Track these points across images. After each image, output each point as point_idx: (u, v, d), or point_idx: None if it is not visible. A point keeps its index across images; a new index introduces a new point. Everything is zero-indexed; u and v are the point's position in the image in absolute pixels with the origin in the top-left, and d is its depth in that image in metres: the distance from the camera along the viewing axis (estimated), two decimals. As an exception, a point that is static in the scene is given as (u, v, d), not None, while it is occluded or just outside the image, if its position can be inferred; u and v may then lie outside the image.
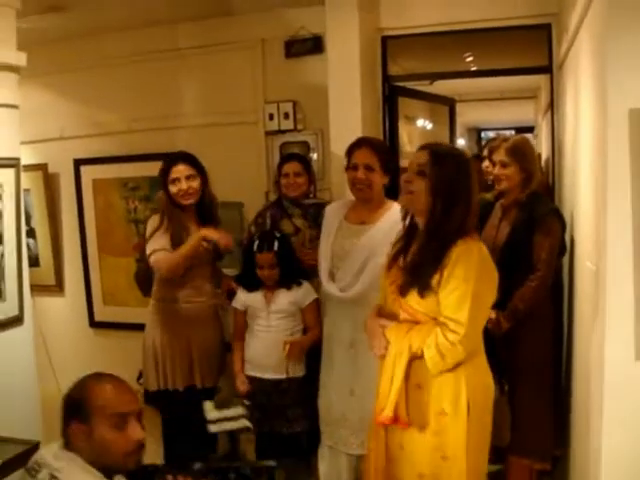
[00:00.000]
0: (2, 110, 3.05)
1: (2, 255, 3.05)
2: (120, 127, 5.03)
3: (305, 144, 4.56)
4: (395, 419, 2.37)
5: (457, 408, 2.33)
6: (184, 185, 3.45)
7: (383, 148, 3.35)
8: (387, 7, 4.29)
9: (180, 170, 3.47)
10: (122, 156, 5.03)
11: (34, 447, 2.66)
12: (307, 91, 4.52)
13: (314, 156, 4.53)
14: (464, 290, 2.26)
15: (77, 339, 5.37)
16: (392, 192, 4.53)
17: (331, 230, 3.30)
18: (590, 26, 2.44)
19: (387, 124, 4.50)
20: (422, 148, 2.48)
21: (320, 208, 3.68)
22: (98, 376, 1.99)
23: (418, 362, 2.36)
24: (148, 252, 3.41)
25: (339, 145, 4.04)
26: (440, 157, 2.37)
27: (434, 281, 2.31)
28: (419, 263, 2.39)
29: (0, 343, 3.05)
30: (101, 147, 5.11)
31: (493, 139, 5.38)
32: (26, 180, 4.03)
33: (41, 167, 5.25)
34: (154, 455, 2.67)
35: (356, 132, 3.99)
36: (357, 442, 3.19)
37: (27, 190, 4.96)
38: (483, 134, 10.87)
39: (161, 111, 4.89)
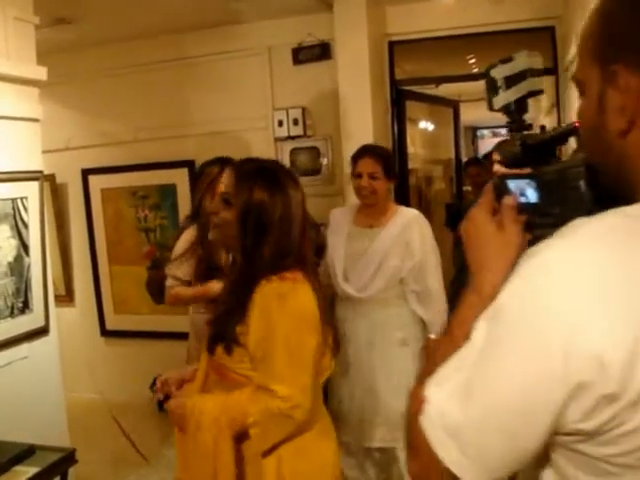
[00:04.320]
0: (25, 124, 3.08)
1: (28, 266, 3.08)
2: (128, 136, 5.07)
3: (315, 150, 4.61)
4: None
5: None
6: None
7: (386, 155, 3.42)
8: (393, 13, 4.38)
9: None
10: (130, 165, 5.07)
11: (70, 454, 2.70)
12: (315, 97, 4.57)
13: (324, 161, 4.58)
14: (274, 344, 1.84)
15: (88, 349, 5.40)
16: (402, 195, 4.63)
17: (341, 234, 3.39)
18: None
19: (395, 127, 4.56)
20: (231, 167, 2.15)
21: None
22: None
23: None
24: (169, 272, 3.38)
25: (350, 150, 4.10)
26: (246, 177, 1.97)
27: (240, 333, 1.89)
28: (223, 311, 2.01)
29: (27, 354, 3.07)
30: (109, 156, 5.14)
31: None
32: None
33: (48, 178, 5.27)
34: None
35: (367, 136, 4.06)
36: (378, 435, 3.28)
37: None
38: (479, 133, 10.94)
39: (169, 120, 4.93)
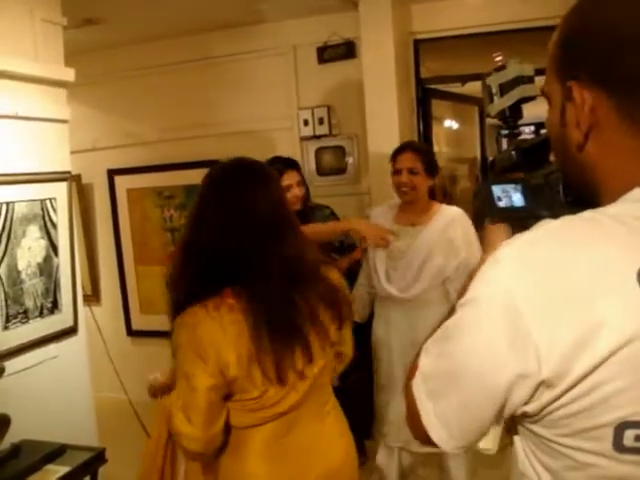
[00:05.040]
0: (54, 125, 3.10)
1: (58, 267, 3.10)
2: (153, 137, 5.08)
3: (340, 149, 4.59)
4: None
5: None
6: (298, 192, 3.45)
7: (426, 151, 3.40)
8: (418, 11, 4.35)
9: (291, 177, 3.47)
10: (156, 165, 5.08)
11: (100, 453, 2.72)
12: (340, 96, 4.56)
13: (349, 160, 4.56)
14: (177, 368, 1.83)
15: (115, 348, 5.42)
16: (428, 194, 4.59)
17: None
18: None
19: (421, 126, 4.53)
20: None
21: (320, 209, 3.73)
22: None
23: None
24: None
25: (376, 149, 4.10)
26: (205, 179, 1.98)
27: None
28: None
29: (56, 353, 3.09)
30: (134, 157, 5.16)
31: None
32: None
33: (75, 178, 5.30)
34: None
35: (393, 135, 4.05)
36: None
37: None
38: (502, 131, 10.84)
39: (194, 120, 4.94)
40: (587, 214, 0.87)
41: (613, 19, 0.87)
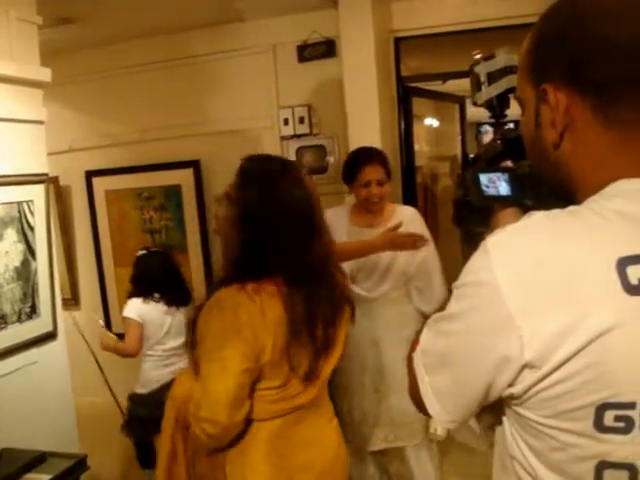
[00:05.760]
0: (30, 126, 3.04)
1: (36, 270, 3.04)
2: (132, 137, 5.02)
3: (321, 148, 4.56)
4: None
5: None
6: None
7: (386, 158, 3.34)
8: (399, 9, 4.32)
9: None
10: (135, 166, 5.02)
11: (82, 460, 2.67)
12: (321, 95, 4.53)
13: (330, 160, 4.54)
14: (203, 349, 1.81)
15: (95, 352, 5.35)
16: (409, 193, 4.59)
17: (341, 235, 3.25)
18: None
19: (402, 124, 4.52)
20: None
21: None
22: None
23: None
24: None
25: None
26: (245, 176, 1.92)
27: None
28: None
29: (36, 359, 3.04)
30: (113, 158, 5.10)
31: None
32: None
33: (52, 180, 5.23)
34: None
35: (374, 134, 4.03)
36: (381, 436, 3.27)
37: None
38: (482, 128, 10.88)
39: (173, 120, 4.88)
40: (570, 208, 0.91)
41: (584, 24, 0.91)
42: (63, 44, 4.52)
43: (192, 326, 1.86)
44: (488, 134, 10.93)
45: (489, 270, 0.88)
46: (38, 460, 2.55)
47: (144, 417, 3.54)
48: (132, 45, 4.81)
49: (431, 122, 6.22)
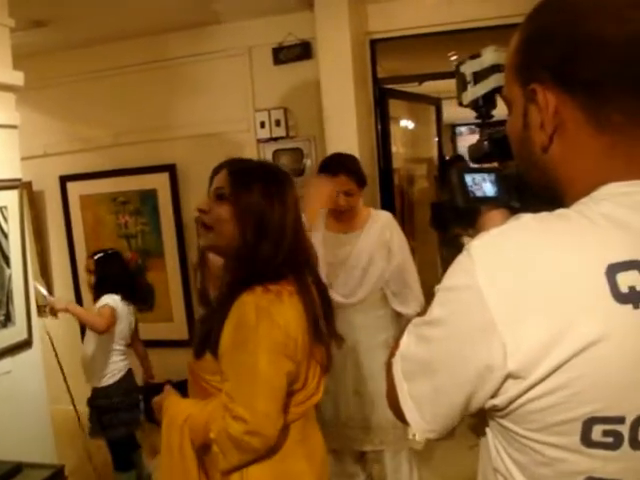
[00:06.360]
0: (2, 131, 2.99)
1: (10, 277, 2.98)
2: (106, 141, 4.97)
3: (298, 151, 4.54)
4: None
5: None
6: None
7: (357, 167, 3.25)
8: (374, 10, 4.33)
9: None
10: (109, 171, 4.97)
11: (59, 471, 2.62)
12: (297, 97, 4.51)
13: (307, 162, 4.52)
14: (241, 360, 1.72)
15: (70, 358, 5.28)
16: (387, 196, 4.58)
17: (315, 241, 3.13)
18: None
19: (379, 127, 4.51)
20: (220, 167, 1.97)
21: None
22: None
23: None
24: None
25: (335, 150, 4.04)
26: (246, 175, 1.86)
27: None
28: (209, 316, 1.90)
29: (10, 368, 2.98)
30: (87, 162, 5.04)
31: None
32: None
33: (25, 185, 5.15)
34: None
35: (352, 136, 4.02)
36: (366, 438, 3.27)
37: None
38: (457, 130, 10.95)
39: (149, 123, 4.84)
40: (559, 211, 0.87)
41: (575, 20, 0.87)
42: (36, 47, 4.45)
43: (207, 332, 1.80)
44: (463, 136, 11.00)
45: (472, 274, 0.84)
46: (14, 471, 2.49)
47: (105, 407, 3.65)
48: (106, 48, 4.76)
49: (407, 124, 6.23)
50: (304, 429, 1.90)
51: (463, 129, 10.89)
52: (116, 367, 3.73)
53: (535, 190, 1.01)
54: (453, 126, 10.78)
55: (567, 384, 0.79)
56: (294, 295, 1.78)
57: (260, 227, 1.79)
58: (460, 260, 0.88)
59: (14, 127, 3.09)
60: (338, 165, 3.18)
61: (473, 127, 10.36)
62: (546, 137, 0.91)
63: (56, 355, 3.92)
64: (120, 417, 3.64)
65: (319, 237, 3.23)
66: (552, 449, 0.83)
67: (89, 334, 3.77)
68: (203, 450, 1.79)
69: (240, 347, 1.71)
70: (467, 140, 10.57)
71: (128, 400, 3.69)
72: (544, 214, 0.87)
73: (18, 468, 2.52)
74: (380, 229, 3.23)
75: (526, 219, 0.87)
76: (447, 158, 6.57)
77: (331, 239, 3.27)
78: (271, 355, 1.69)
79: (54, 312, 3.76)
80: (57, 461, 3.13)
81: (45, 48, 4.63)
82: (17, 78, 3.04)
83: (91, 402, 3.73)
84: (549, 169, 0.94)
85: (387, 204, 4.44)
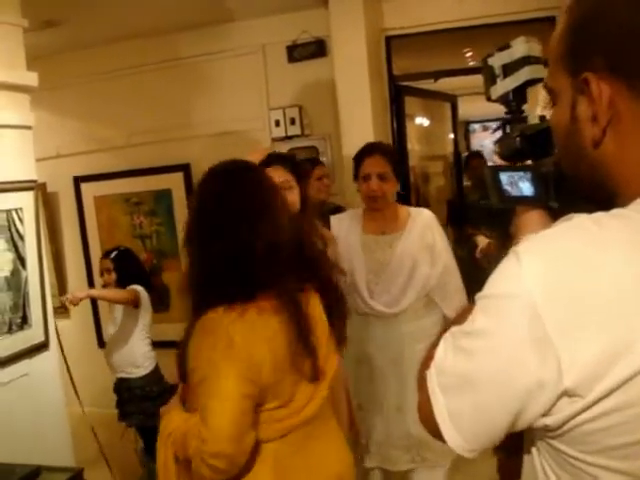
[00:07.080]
0: (17, 132, 2.97)
1: (26, 280, 2.96)
2: (120, 141, 4.96)
3: (313, 149, 4.51)
4: None
5: None
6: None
7: (394, 153, 3.12)
8: (390, 7, 4.29)
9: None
10: (124, 171, 4.95)
11: (78, 474, 2.59)
12: (312, 95, 4.48)
13: (323, 160, 4.48)
14: (200, 381, 1.67)
15: (86, 361, 5.26)
16: (404, 194, 4.53)
17: (353, 245, 3.04)
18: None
19: (395, 124, 4.47)
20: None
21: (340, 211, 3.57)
22: None
23: None
24: None
25: (350, 148, 4.00)
26: (206, 176, 1.84)
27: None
28: (182, 340, 1.80)
29: (27, 370, 2.96)
30: (101, 163, 5.03)
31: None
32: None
33: (39, 187, 5.14)
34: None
35: (367, 134, 3.97)
36: (408, 458, 3.01)
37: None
38: (470, 127, 10.90)
39: (162, 123, 4.82)
40: (614, 211, 0.79)
41: (631, 2, 0.80)
42: (49, 48, 4.44)
43: (182, 356, 1.75)
44: (476, 133, 10.93)
45: (521, 281, 0.77)
46: (32, 475, 2.46)
47: (140, 396, 3.77)
48: (119, 47, 4.74)
49: (422, 121, 6.18)
50: (296, 446, 1.81)
51: (476, 126, 10.83)
52: (150, 356, 3.87)
53: (581, 190, 0.92)
54: (467, 123, 10.73)
55: (631, 403, 0.72)
56: (266, 312, 1.69)
57: (206, 233, 1.74)
58: (507, 266, 0.81)
59: (28, 128, 3.07)
60: (372, 146, 3.05)
61: (486, 124, 10.32)
62: (599, 131, 0.83)
63: (64, 358, 3.91)
64: (156, 405, 3.65)
65: (357, 241, 3.03)
66: (610, 474, 0.77)
67: (116, 326, 3.90)
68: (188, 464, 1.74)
69: (199, 368, 1.67)
70: (480, 137, 10.51)
71: (162, 388, 3.77)
72: (600, 214, 0.79)
73: (37, 471, 2.49)
74: (422, 230, 2.96)
75: (581, 219, 0.80)
76: (465, 154, 6.49)
77: (369, 242, 3.01)
78: (228, 376, 1.63)
79: (75, 303, 3.74)
80: (75, 464, 3.12)
81: (58, 48, 4.62)
82: (31, 79, 3.01)
83: (126, 391, 3.83)
84: (600, 166, 0.85)
85: (403, 202, 4.38)
